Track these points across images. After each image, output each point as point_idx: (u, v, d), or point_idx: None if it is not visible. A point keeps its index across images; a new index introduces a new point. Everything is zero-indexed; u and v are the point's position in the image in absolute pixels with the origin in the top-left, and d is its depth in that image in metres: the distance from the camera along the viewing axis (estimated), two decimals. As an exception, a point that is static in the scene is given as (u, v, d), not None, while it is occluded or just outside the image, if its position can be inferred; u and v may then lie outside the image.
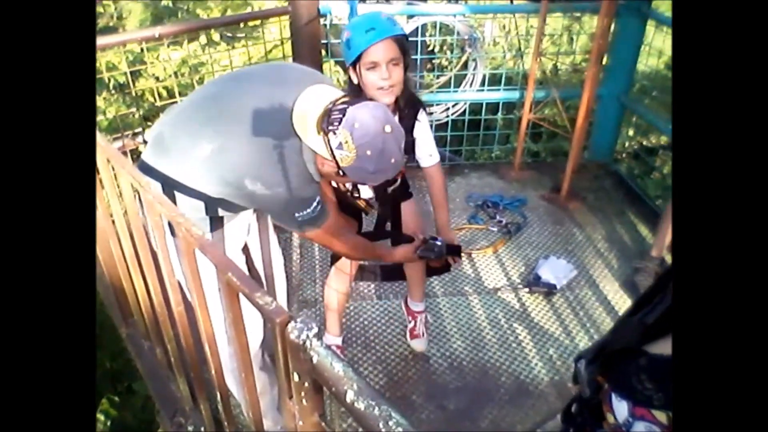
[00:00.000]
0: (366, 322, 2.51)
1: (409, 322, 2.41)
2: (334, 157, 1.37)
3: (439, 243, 1.92)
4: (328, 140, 1.36)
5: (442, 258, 1.96)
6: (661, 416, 0.65)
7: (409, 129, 1.91)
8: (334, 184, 1.79)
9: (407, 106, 1.89)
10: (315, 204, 1.50)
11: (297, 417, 1.01)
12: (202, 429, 1.90)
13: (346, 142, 1.34)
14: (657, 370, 0.64)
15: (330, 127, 1.35)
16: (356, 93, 1.80)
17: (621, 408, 0.71)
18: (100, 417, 2.43)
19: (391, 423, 0.77)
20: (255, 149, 1.42)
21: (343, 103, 1.39)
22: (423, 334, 2.38)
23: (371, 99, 1.73)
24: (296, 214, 1.49)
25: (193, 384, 1.79)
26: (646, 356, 0.67)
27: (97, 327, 3.44)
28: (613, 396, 0.72)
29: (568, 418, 0.85)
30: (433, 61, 5.06)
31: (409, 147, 1.94)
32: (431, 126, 3.70)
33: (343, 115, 1.34)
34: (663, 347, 0.65)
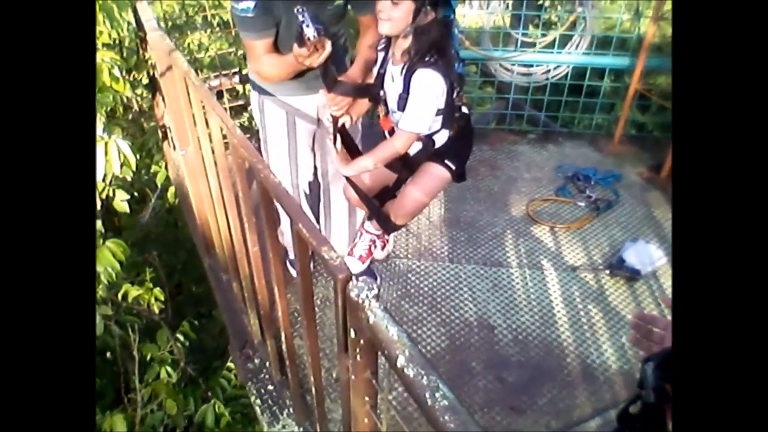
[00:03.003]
0: (435, 283, 2.51)
1: (356, 237, 2.37)
2: None
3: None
4: None
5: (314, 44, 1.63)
6: None
7: (406, 81, 1.76)
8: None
9: (417, 57, 1.72)
10: (251, 4, 1.67)
11: (350, 371, 1.03)
12: (267, 363, 2.00)
13: None
14: None
15: None
16: None
17: None
18: (180, 337, 2.63)
19: (437, 394, 0.76)
20: None
21: None
22: (362, 257, 2.33)
23: None
24: (237, 5, 1.70)
25: (262, 321, 1.88)
26: None
27: (185, 253, 3.70)
28: None
29: (624, 419, 0.80)
30: (541, 17, 4.77)
31: (403, 103, 1.79)
32: (510, 87, 3.52)
33: None
34: None
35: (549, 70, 3.52)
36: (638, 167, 3.27)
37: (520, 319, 2.35)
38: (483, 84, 4.54)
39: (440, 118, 1.87)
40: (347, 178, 2.03)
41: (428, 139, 1.94)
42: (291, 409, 1.92)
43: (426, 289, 2.48)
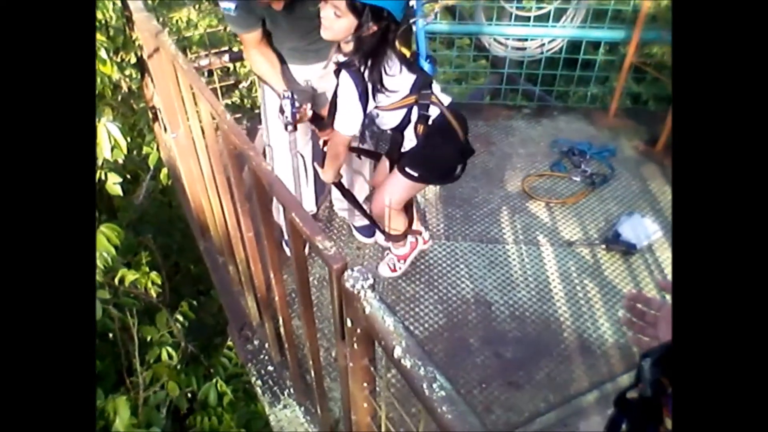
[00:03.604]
0: (431, 261, 2.51)
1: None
2: None
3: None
4: None
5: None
6: None
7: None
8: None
9: (351, 60, 1.72)
10: (232, 5, 1.77)
11: (348, 358, 1.04)
12: (266, 344, 2.02)
13: None
14: None
15: None
16: None
17: None
18: (179, 318, 2.64)
19: (435, 385, 0.76)
20: None
21: None
22: (390, 268, 2.42)
23: None
24: (220, 4, 1.81)
25: (259, 303, 1.89)
26: None
27: (180, 233, 3.70)
28: None
29: (621, 404, 0.81)
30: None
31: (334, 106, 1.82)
32: (504, 61, 3.45)
33: None
34: None
35: (543, 44, 3.47)
36: (634, 140, 3.26)
37: (516, 295, 2.36)
38: (477, 58, 4.48)
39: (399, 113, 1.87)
40: (341, 188, 2.15)
41: (398, 133, 1.94)
42: (291, 390, 1.94)
43: (422, 267, 2.49)
